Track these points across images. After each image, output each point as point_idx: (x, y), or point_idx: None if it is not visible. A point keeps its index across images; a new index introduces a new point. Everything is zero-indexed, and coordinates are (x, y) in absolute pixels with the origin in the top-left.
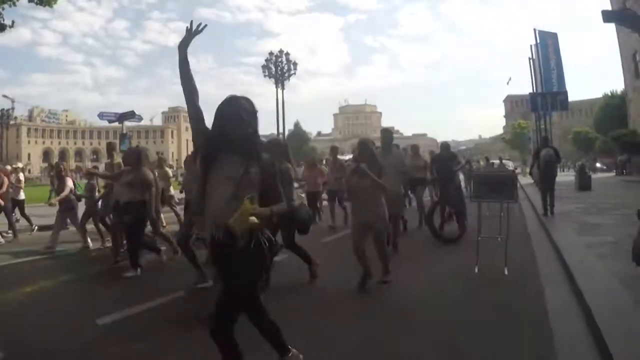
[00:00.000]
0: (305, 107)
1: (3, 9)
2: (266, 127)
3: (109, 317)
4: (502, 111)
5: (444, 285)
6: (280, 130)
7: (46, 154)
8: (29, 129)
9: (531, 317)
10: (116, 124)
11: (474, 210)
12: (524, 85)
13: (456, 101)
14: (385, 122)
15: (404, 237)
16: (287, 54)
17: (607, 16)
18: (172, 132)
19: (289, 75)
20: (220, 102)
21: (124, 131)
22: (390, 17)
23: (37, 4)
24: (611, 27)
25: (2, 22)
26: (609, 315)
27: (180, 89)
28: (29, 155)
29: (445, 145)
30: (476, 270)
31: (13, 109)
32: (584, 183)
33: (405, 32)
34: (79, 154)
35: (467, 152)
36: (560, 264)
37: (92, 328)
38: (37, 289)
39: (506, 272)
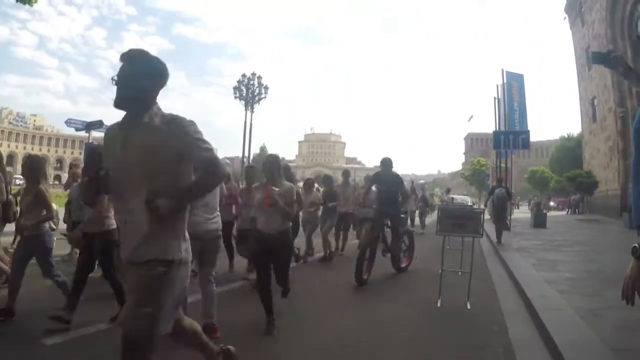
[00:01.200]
0: (273, 133)
1: None
2: (232, 150)
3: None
4: (462, 148)
5: (407, 318)
6: (246, 154)
7: (9, 158)
8: None
9: (495, 352)
10: (83, 133)
11: (437, 244)
12: (484, 124)
13: (417, 136)
14: (349, 153)
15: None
16: (260, 77)
17: (595, 57)
18: None
19: (260, 99)
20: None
21: (90, 140)
22: (360, 51)
23: (17, 1)
24: (572, 72)
25: None
26: (573, 350)
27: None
28: None
29: (386, 162)
30: (439, 304)
31: None
32: (539, 220)
33: (372, 65)
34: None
35: (424, 185)
36: (522, 299)
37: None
38: None
39: (468, 307)
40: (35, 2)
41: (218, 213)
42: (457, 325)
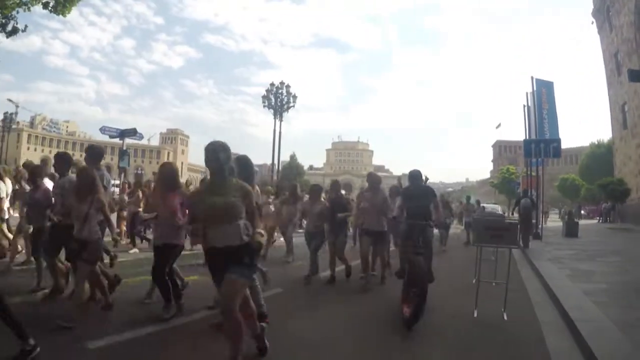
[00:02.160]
0: (300, 140)
1: (17, 12)
2: (261, 157)
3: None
4: (490, 156)
5: (445, 329)
6: (276, 162)
7: (44, 162)
8: (29, 136)
9: None
10: (115, 140)
11: (471, 255)
12: (513, 132)
13: (446, 144)
14: (376, 161)
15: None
16: (288, 86)
17: (633, 76)
18: (168, 153)
19: (288, 107)
20: None
21: (124, 148)
22: (388, 60)
23: (50, 11)
24: (602, 78)
25: (15, 25)
26: None
27: (179, 111)
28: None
29: (415, 175)
30: (475, 314)
31: (16, 113)
32: (571, 229)
33: (401, 74)
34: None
35: (452, 193)
36: (558, 310)
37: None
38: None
39: (505, 317)
40: (69, 12)
41: None
42: (494, 336)
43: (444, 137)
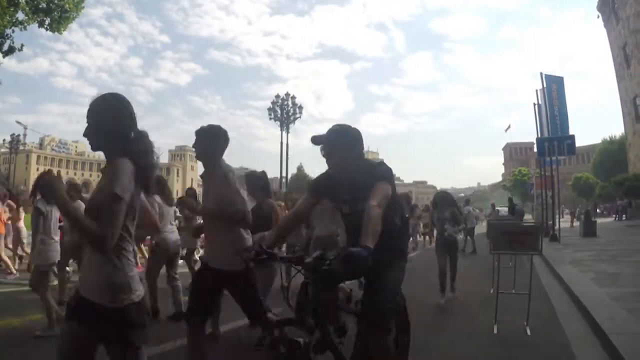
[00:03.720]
0: (309, 153)
1: (13, 31)
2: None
3: None
4: (501, 159)
5: (462, 350)
6: (284, 173)
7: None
8: (38, 157)
9: None
10: None
11: (483, 262)
12: (523, 134)
13: (456, 149)
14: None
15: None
16: (293, 97)
17: None
18: (177, 170)
19: (294, 119)
20: None
21: None
22: (395, 66)
23: (46, 29)
24: (611, 73)
25: (11, 44)
26: None
27: (188, 127)
28: None
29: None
30: (495, 330)
31: (25, 135)
32: (589, 229)
33: (409, 81)
34: (85, 185)
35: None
36: (587, 321)
37: None
38: None
39: (529, 332)
40: (64, 29)
41: None
42: (518, 355)
43: (454, 142)
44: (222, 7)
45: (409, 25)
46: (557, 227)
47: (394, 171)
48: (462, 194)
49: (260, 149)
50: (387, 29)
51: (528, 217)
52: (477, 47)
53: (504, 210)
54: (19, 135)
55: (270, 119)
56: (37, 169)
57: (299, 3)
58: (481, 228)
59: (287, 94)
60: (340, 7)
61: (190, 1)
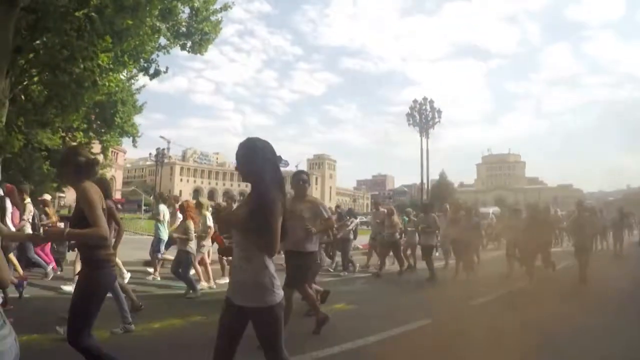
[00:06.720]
0: (447, 157)
1: (158, 55)
2: (409, 177)
3: None
4: None
5: None
6: (424, 180)
7: (196, 192)
8: (181, 168)
9: None
10: None
11: None
12: None
13: (601, 148)
14: (529, 172)
15: None
16: (432, 101)
17: None
18: (316, 178)
19: (434, 123)
20: None
21: None
22: (532, 61)
23: (189, 52)
24: None
25: (157, 67)
26: None
27: (324, 136)
28: (180, 192)
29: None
30: None
31: (168, 149)
32: None
33: (548, 75)
34: (226, 194)
35: (614, 202)
36: None
37: None
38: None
39: None
40: (206, 50)
41: None
42: None
43: (598, 140)
44: (349, 15)
45: (542, 15)
46: None
47: (537, 174)
48: (612, 198)
49: (397, 155)
50: (520, 21)
51: None
52: (617, 31)
53: None
54: (163, 149)
55: (409, 124)
56: (181, 180)
57: (427, 3)
58: None
59: (425, 98)
60: (468, 3)
61: (318, 12)
